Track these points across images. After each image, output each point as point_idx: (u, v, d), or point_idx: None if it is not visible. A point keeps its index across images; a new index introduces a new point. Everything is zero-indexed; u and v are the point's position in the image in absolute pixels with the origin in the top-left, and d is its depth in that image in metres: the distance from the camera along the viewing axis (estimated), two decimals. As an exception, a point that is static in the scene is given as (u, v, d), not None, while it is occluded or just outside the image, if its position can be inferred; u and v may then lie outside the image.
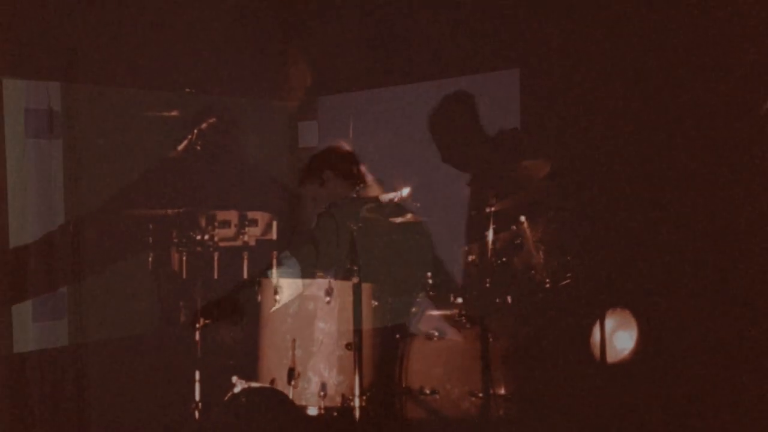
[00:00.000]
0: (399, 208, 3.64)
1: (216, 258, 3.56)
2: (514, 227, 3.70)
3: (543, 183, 3.71)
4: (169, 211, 3.85)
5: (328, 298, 3.39)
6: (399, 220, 3.65)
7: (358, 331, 3.33)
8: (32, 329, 4.02)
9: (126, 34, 4.22)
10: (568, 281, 3.66)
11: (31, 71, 4.00)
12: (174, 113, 3.99)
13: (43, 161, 4.06)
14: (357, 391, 3.30)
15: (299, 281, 3.46)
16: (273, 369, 3.42)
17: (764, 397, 3.28)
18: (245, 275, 3.55)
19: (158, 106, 4.18)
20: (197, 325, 3.52)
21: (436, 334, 3.57)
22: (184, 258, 3.63)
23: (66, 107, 4.09)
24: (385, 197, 3.44)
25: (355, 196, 3.84)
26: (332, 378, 3.38)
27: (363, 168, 3.98)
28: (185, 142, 3.77)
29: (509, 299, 3.65)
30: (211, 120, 3.84)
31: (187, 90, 4.03)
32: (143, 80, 4.26)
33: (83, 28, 4.07)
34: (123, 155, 4.24)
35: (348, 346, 3.37)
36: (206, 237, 3.53)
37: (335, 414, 3.37)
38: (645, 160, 3.61)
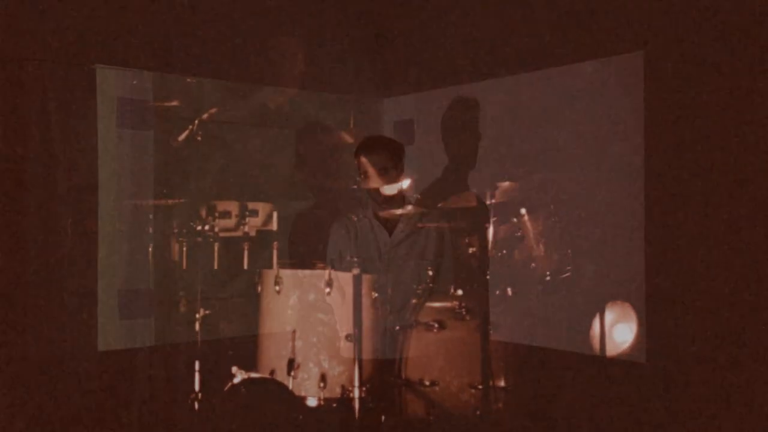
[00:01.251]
0: None
1: (216, 248, 3.56)
2: (515, 220, 3.70)
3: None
4: (170, 201, 3.83)
5: (327, 289, 3.39)
6: (399, 212, 3.66)
7: (357, 322, 3.33)
8: (118, 327, 3.92)
9: (219, 25, 4.15)
10: (568, 274, 3.67)
11: (126, 60, 3.90)
12: None
13: (135, 152, 3.98)
14: (357, 383, 3.30)
15: (299, 272, 3.46)
16: (273, 360, 3.42)
17: (764, 396, 3.27)
18: (245, 266, 3.55)
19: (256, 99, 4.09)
20: (197, 316, 3.52)
21: (436, 325, 3.57)
22: (185, 248, 3.63)
23: (157, 97, 4.00)
24: (387, 189, 3.45)
25: (355, 187, 3.84)
26: (332, 369, 3.38)
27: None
28: (186, 133, 3.76)
29: (509, 291, 3.65)
30: (212, 110, 3.83)
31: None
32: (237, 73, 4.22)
33: (178, 17, 4.01)
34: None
35: (348, 337, 3.37)
36: (206, 227, 3.53)
37: (335, 405, 3.37)
38: (645, 153, 3.60)
